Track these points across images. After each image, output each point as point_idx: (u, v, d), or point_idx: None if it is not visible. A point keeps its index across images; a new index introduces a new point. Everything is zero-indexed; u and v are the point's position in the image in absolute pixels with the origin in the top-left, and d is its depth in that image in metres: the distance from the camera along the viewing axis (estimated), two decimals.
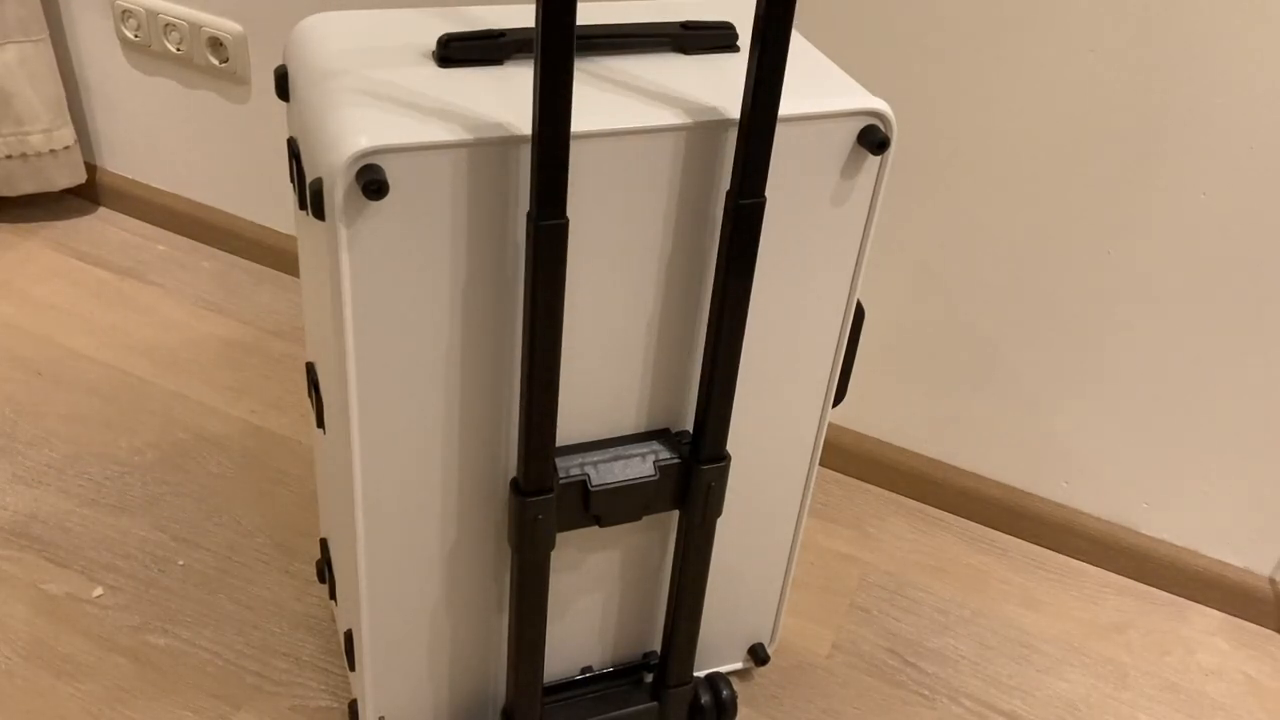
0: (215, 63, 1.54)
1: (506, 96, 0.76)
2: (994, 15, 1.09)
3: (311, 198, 0.72)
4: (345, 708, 1.08)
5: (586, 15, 0.84)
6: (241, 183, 1.64)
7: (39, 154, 1.64)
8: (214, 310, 1.58)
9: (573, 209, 0.77)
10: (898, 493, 1.39)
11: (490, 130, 0.73)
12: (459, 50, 0.80)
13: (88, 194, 1.75)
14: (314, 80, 0.78)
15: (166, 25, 1.54)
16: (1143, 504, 1.29)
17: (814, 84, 0.83)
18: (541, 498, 0.84)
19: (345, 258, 0.73)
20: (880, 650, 1.20)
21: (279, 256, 1.66)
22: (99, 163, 1.74)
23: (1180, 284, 1.15)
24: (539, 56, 0.67)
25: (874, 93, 0.83)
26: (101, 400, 1.41)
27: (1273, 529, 1.25)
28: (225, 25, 1.51)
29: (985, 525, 1.37)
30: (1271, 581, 1.27)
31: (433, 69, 0.79)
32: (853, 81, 0.84)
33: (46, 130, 1.63)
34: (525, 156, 0.74)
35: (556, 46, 0.67)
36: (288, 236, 1.64)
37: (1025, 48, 1.10)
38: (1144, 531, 1.31)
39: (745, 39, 0.87)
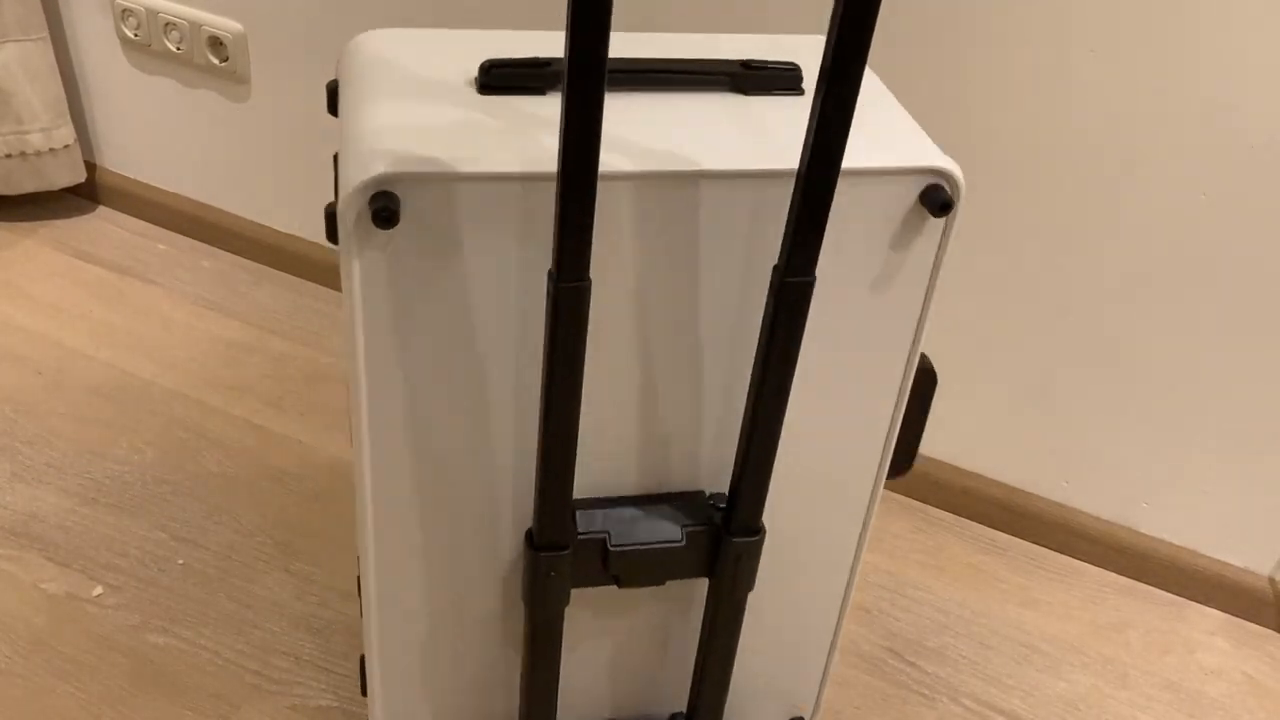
0: (215, 62, 1.54)
1: (542, 129, 0.73)
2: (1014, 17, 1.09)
3: (326, 221, 0.71)
4: (345, 707, 1.08)
5: (638, 47, 0.80)
6: (241, 182, 1.64)
7: (38, 153, 1.64)
8: (214, 309, 1.58)
9: (604, 251, 0.72)
10: (898, 493, 1.39)
11: (517, 165, 0.69)
12: (500, 77, 0.76)
13: (87, 193, 1.75)
14: (353, 98, 0.76)
15: (166, 24, 1.54)
16: (1143, 504, 1.29)
17: (875, 132, 0.77)
18: (555, 554, 0.79)
19: (357, 285, 0.71)
20: (880, 650, 1.20)
21: (279, 255, 1.66)
22: (99, 162, 1.74)
23: (1180, 284, 1.15)
24: (566, 105, 0.62)
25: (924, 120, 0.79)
26: (101, 399, 1.40)
27: (1273, 529, 1.25)
28: (225, 24, 1.51)
29: (985, 525, 1.37)
30: (1271, 581, 1.27)
31: (472, 95, 0.76)
32: (919, 132, 0.78)
33: (46, 129, 1.63)
34: (553, 195, 0.69)
35: (584, 93, 0.62)
36: (288, 235, 1.64)
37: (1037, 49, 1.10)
38: (1144, 531, 1.31)
39: (812, 81, 0.81)
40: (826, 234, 0.72)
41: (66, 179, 1.69)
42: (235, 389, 1.44)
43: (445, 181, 0.68)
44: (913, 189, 0.74)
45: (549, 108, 0.75)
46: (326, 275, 1.63)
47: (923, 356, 0.83)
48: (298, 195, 1.61)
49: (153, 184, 1.72)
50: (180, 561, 1.21)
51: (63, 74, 1.64)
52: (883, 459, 0.88)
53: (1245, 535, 1.26)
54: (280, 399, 1.43)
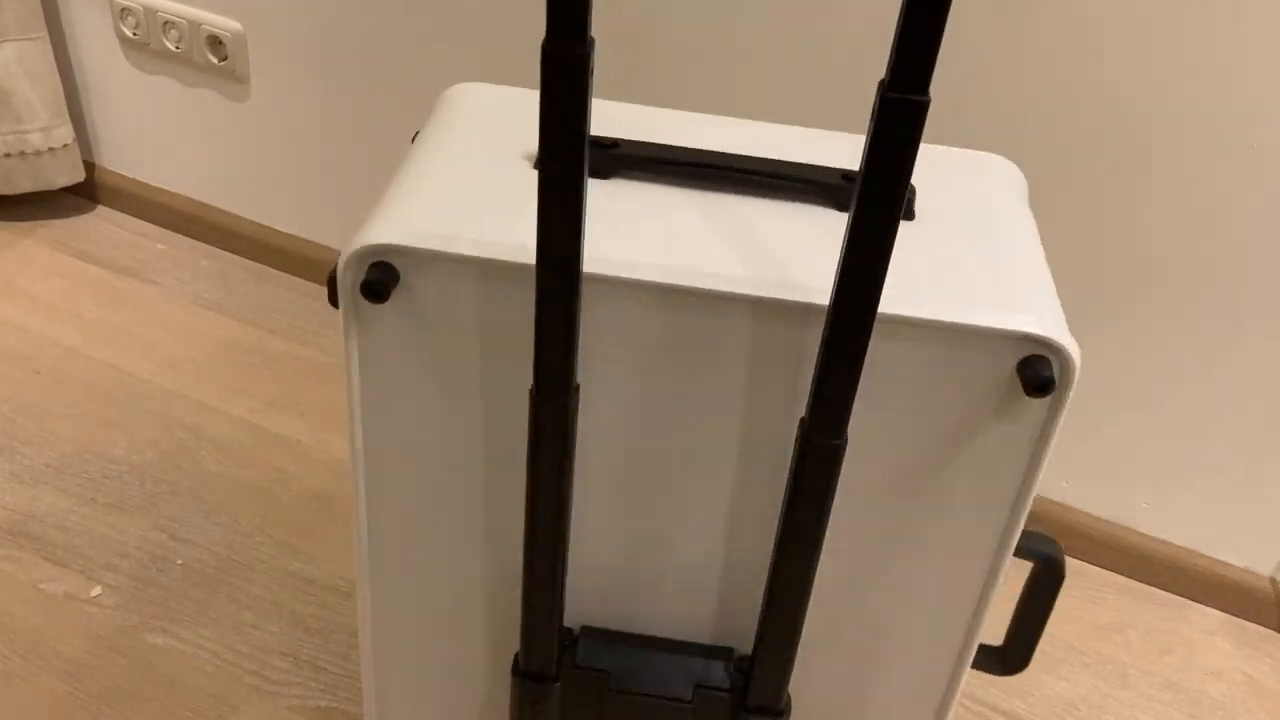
0: (214, 61, 1.53)
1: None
2: None
3: (328, 281, 0.66)
4: (343, 708, 1.08)
5: (743, 140, 0.71)
6: (240, 181, 1.64)
7: (37, 152, 1.64)
8: (213, 309, 1.58)
9: (614, 363, 0.64)
10: None
11: (528, 254, 0.62)
12: None
13: (86, 192, 1.75)
14: (414, 154, 0.72)
15: (165, 23, 1.54)
16: (1143, 503, 1.29)
17: (977, 274, 0.64)
18: (542, 684, 0.72)
19: (354, 352, 0.67)
20: None
21: (278, 255, 1.65)
22: (97, 161, 1.74)
23: (1180, 283, 1.15)
24: (540, 202, 0.55)
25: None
26: (100, 399, 1.40)
27: (1273, 529, 1.25)
28: (224, 23, 1.50)
29: None
30: (1272, 581, 1.27)
31: (525, 169, 0.69)
32: (1041, 284, 0.65)
33: (45, 128, 1.63)
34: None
35: (561, 176, 0.55)
36: (287, 235, 1.64)
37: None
38: (1144, 531, 1.30)
39: (942, 205, 0.70)
40: (888, 386, 0.62)
41: (65, 178, 1.69)
42: (234, 389, 1.44)
43: (449, 262, 0.62)
44: (1007, 358, 0.61)
45: (603, 197, 0.67)
46: (325, 275, 1.62)
47: (1052, 544, 0.72)
48: (297, 194, 1.61)
49: (152, 183, 1.72)
50: (179, 561, 1.20)
51: (61, 73, 1.64)
52: (962, 655, 0.74)
53: (1246, 535, 1.26)
54: (279, 399, 1.43)
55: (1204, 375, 1.19)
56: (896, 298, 0.60)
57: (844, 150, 0.73)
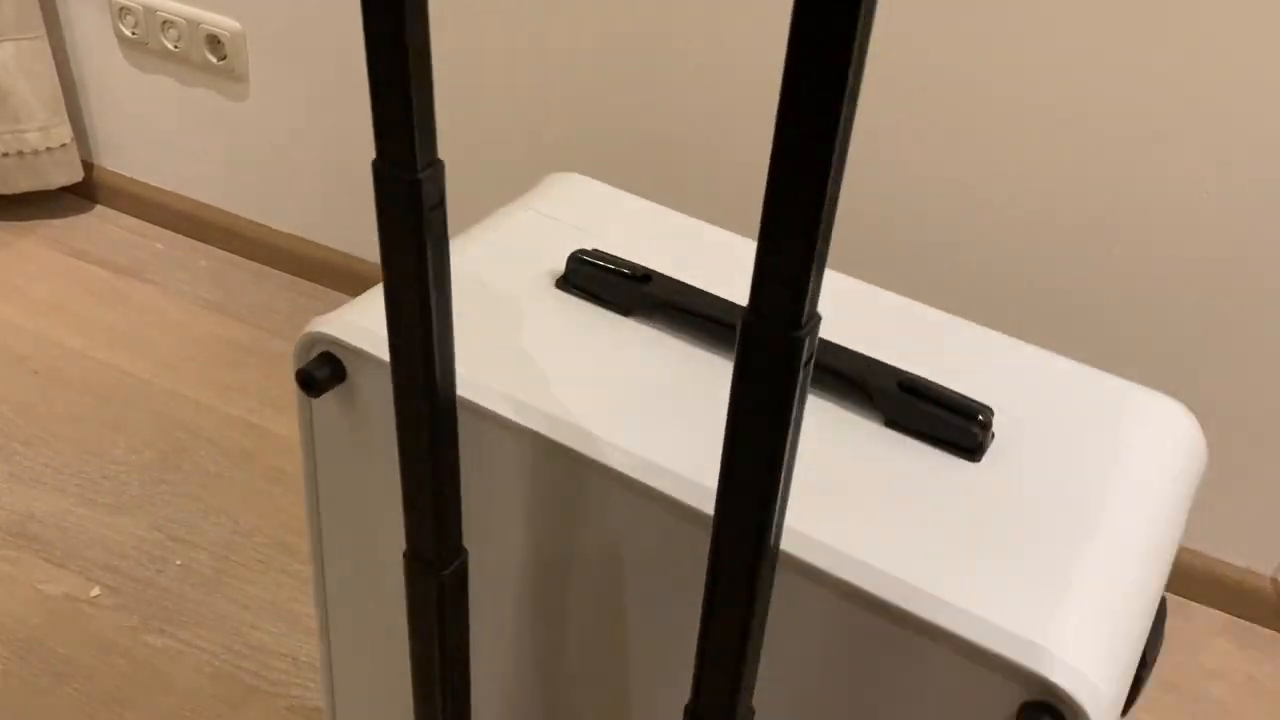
0: (213, 60, 1.53)
1: (564, 356, 0.58)
2: None
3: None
4: None
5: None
6: (239, 181, 1.64)
7: (36, 152, 1.64)
8: (212, 309, 1.58)
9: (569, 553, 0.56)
10: None
11: (470, 393, 0.55)
12: (583, 277, 0.62)
13: (85, 192, 1.75)
14: (462, 237, 0.69)
15: (164, 22, 1.53)
16: None
17: (995, 568, 0.49)
18: None
19: (305, 433, 0.63)
20: None
21: (277, 255, 1.65)
22: (96, 161, 1.74)
23: (1180, 282, 1.15)
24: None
25: None
26: (98, 399, 1.40)
27: (1274, 529, 1.24)
28: (223, 22, 1.50)
29: None
30: (1273, 582, 1.27)
31: (546, 286, 0.63)
32: (1110, 601, 0.50)
33: (43, 128, 1.63)
34: (509, 440, 0.55)
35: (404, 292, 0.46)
36: (285, 235, 1.64)
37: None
38: None
39: (1038, 452, 0.55)
40: (877, 685, 0.50)
41: (64, 178, 1.69)
42: (233, 388, 1.44)
43: (385, 368, 0.57)
44: (1006, 695, 0.47)
45: (611, 337, 0.60)
46: (325, 275, 1.62)
47: None
48: (295, 194, 1.60)
49: (150, 183, 1.71)
50: (178, 562, 1.20)
51: (60, 72, 1.64)
52: None
53: (1247, 536, 1.26)
54: (278, 399, 1.43)
55: (1205, 375, 1.19)
56: (885, 571, 0.48)
57: (922, 331, 0.59)
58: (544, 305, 0.62)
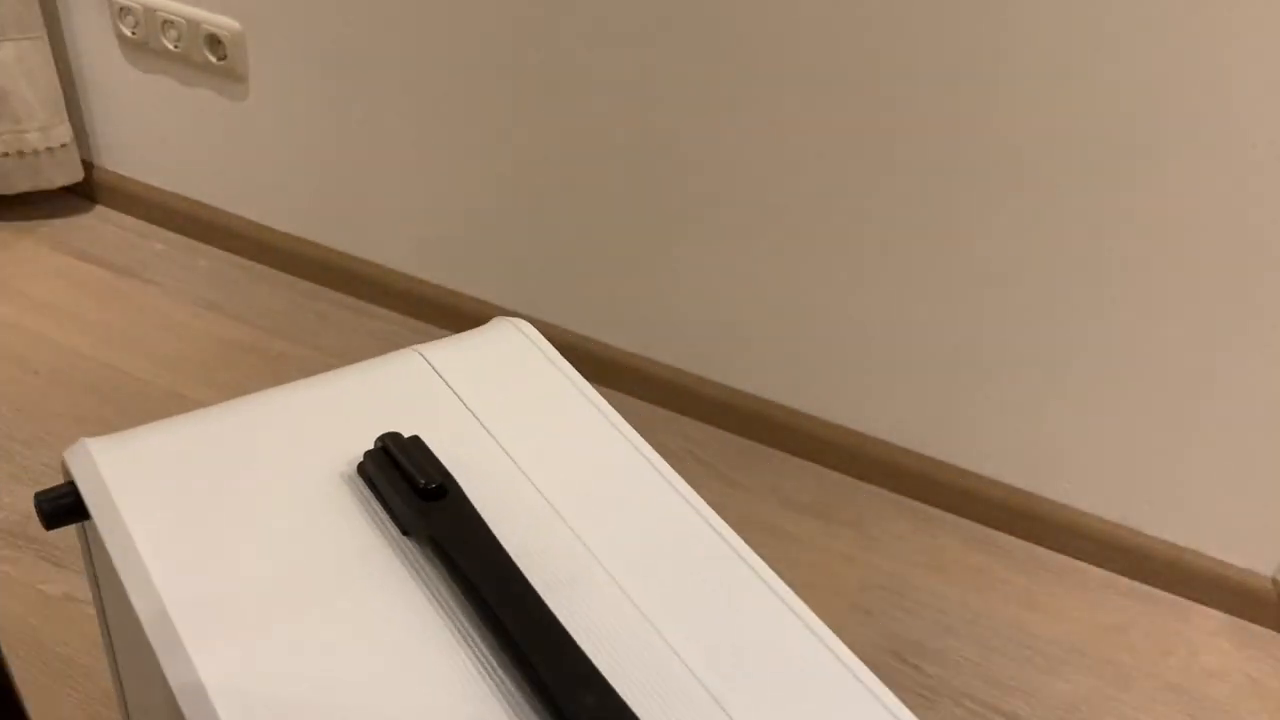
0: (213, 60, 1.53)
1: (301, 574, 0.48)
2: None
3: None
4: None
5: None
6: (239, 180, 1.64)
7: (35, 152, 1.64)
8: (211, 309, 1.58)
9: None
10: (898, 493, 1.39)
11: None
12: (374, 471, 0.51)
13: (85, 192, 1.75)
14: (289, 387, 0.63)
15: (164, 22, 1.53)
16: (1144, 504, 1.29)
17: None
18: None
19: (87, 555, 0.58)
20: (881, 651, 1.20)
21: (277, 255, 1.65)
22: (96, 160, 1.74)
23: (1181, 284, 1.15)
24: None
25: None
26: (99, 399, 1.40)
27: (1275, 529, 1.24)
28: (223, 22, 1.50)
29: (986, 525, 1.36)
30: (1274, 582, 1.27)
31: (343, 471, 0.52)
32: None
33: (43, 128, 1.62)
34: None
35: None
36: (285, 235, 1.64)
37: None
38: (1146, 531, 1.30)
39: None
40: None
41: (64, 178, 1.68)
42: (233, 389, 1.44)
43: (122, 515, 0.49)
44: None
45: (370, 572, 0.47)
46: (325, 275, 1.62)
47: None
48: (296, 194, 1.60)
49: (150, 183, 1.71)
50: None
51: (60, 72, 1.63)
52: None
53: (1247, 536, 1.26)
54: None
55: (1206, 375, 1.19)
56: None
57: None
58: (314, 505, 0.50)
